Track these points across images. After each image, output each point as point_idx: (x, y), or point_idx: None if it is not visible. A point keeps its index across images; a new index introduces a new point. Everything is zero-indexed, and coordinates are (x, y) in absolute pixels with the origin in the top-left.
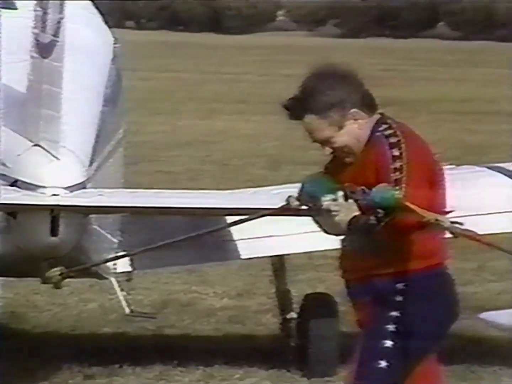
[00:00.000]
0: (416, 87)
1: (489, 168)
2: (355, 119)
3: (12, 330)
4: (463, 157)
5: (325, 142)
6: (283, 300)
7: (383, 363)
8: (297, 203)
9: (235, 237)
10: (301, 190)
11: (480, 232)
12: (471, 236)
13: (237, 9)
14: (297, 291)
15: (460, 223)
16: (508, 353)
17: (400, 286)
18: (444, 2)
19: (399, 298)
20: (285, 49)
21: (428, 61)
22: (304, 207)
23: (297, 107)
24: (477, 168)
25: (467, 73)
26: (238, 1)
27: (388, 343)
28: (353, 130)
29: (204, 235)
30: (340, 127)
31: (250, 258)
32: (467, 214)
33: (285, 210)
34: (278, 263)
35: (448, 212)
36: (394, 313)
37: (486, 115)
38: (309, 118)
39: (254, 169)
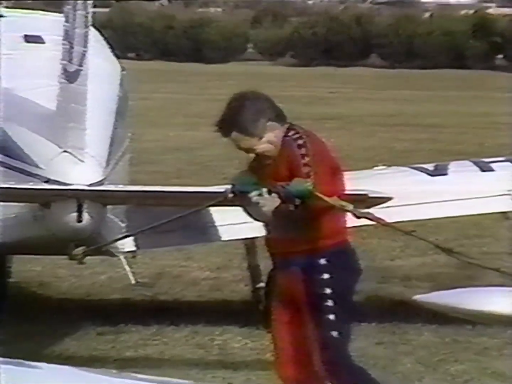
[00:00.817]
0: (354, 105)
1: (412, 168)
2: (271, 130)
3: (39, 296)
4: (391, 160)
5: (249, 150)
6: (254, 273)
7: (334, 333)
8: (231, 195)
9: (217, 223)
10: (233, 186)
11: (400, 219)
12: (370, 218)
13: (215, 43)
14: (265, 266)
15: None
16: (429, 313)
17: (322, 261)
18: (376, 36)
19: (323, 274)
20: (253, 75)
21: (363, 85)
22: (237, 198)
23: (224, 127)
24: (402, 168)
25: (393, 94)
26: (216, 36)
27: (332, 316)
28: (270, 138)
29: (177, 219)
30: (260, 138)
31: (228, 240)
32: (395, 204)
33: (224, 201)
34: (250, 243)
35: (350, 195)
36: (327, 290)
37: (409, 127)
38: (235, 135)
39: (230, 169)
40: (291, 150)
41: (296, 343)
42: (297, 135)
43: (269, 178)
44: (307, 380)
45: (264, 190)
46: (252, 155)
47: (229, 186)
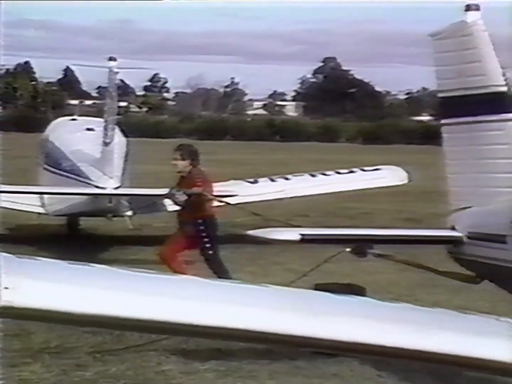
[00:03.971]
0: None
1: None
2: (190, 161)
3: (92, 233)
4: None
5: (181, 171)
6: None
7: (210, 252)
8: (169, 193)
9: (165, 204)
10: (170, 190)
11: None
12: (225, 202)
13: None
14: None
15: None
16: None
17: (201, 225)
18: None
19: (202, 229)
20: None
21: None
22: (170, 195)
23: (182, 156)
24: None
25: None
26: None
27: (208, 245)
28: (187, 165)
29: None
30: (186, 166)
31: (170, 211)
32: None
33: (167, 196)
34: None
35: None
36: (206, 239)
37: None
38: (181, 162)
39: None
40: (193, 173)
41: (179, 250)
42: (196, 167)
43: (183, 187)
44: (176, 262)
45: (181, 192)
46: (180, 174)
47: (168, 190)
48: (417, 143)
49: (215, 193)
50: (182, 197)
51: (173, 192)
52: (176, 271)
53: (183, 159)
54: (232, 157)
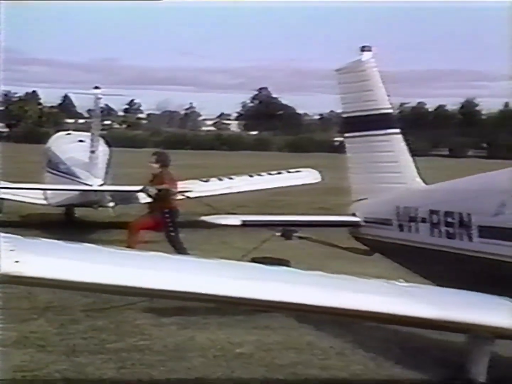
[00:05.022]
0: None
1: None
2: (161, 164)
3: (84, 219)
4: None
5: (154, 172)
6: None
7: (172, 234)
8: (144, 189)
9: (140, 197)
10: (144, 187)
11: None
12: (187, 196)
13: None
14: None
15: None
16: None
17: (167, 213)
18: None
19: (167, 217)
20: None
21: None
22: (144, 190)
23: (156, 160)
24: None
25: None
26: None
27: (171, 229)
28: (159, 167)
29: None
30: (158, 168)
31: (138, 203)
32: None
33: (143, 191)
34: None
35: (179, 191)
36: (170, 224)
37: None
38: (155, 165)
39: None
40: (161, 173)
41: (143, 228)
42: (166, 171)
43: (155, 184)
44: (135, 236)
45: (152, 188)
46: (151, 175)
47: (142, 186)
48: (327, 151)
49: (178, 189)
50: (153, 192)
51: (147, 188)
52: (129, 243)
53: (157, 162)
54: (191, 163)
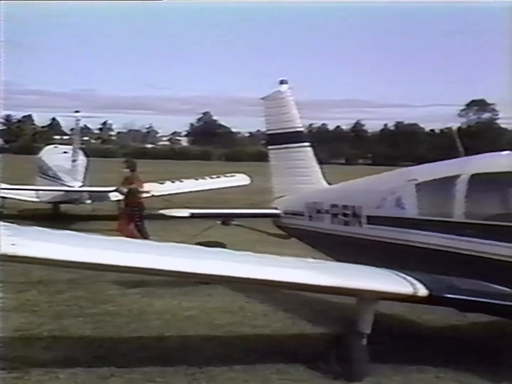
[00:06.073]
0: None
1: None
2: (131, 169)
3: (69, 213)
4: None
5: (125, 175)
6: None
7: (139, 225)
8: (117, 189)
9: (111, 196)
10: (117, 187)
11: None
12: (148, 195)
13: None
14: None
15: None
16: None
17: (135, 208)
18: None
19: (136, 211)
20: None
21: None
22: (117, 189)
23: (127, 166)
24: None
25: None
26: None
27: (139, 223)
28: (129, 171)
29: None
30: (128, 172)
31: (114, 200)
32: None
33: (116, 191)
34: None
35: (145, 191)
36: (137, 217)
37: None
38: (126, 170)
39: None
40: (132, 178)
41: (128, 223)
42: (134, 174)
43: (126, 184)
44: (128, 231)
45: (124, 188)
46: (123, 177)
47: (115, 187)
48: (255, 160)
49: (143, 189)
50: (125, 191)
51: (120, 188)
52: (128, 237)
53: (127, 168)
54: (150, 170)
